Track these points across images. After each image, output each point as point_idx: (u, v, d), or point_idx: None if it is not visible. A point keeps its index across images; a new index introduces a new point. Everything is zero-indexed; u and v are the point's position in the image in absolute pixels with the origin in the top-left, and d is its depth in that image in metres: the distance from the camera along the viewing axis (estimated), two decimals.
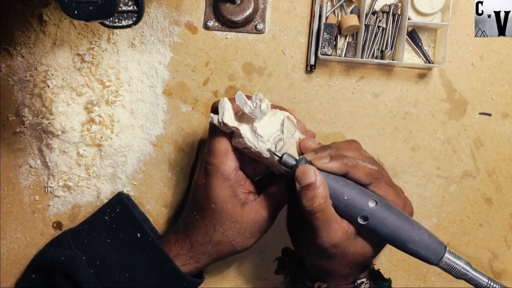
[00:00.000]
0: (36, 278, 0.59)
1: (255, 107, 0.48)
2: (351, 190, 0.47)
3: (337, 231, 0.47)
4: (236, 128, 0.49)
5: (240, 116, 0.50)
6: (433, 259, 0.47)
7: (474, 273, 0.47)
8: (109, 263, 0.54)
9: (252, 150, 0.49)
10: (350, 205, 0.47)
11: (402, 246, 0.47)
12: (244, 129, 0.49)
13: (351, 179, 0.48)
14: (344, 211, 0.47)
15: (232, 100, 0.50)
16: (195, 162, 0.63)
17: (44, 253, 0.61)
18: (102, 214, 0.60)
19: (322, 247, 0.48)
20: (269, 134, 0.49)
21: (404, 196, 0.51)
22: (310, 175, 0.46)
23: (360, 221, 0.47)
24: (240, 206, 0.51)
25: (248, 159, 0.52)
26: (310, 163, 0.48)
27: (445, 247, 0.47)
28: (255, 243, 0.54)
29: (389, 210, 0.47)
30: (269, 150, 0.48)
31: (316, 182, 0.46)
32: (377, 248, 0.51)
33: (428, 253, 0.46)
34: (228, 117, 0.48)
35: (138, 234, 0.54)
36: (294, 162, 0.48)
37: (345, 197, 0.47)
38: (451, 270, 0.47)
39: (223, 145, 0.50)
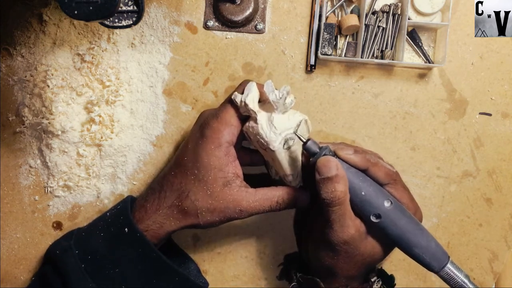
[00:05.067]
0: (37, 276, 0.59)
1: (280, 98, 0.49)
2: (369, 187, 0.48)
3: (350, 227, 0.47)
4: (254, 112, 0.49)
5: (262, 104, 0.51)
6: (436, 267, 0.48)
7: (471, 287, 0.48)
8: (99, 258, 0.53)
9: (261, 139, 0.49)
10: (366, 202, 0.48)
11: (408, 249, 0.48)
12: (262, 116, 0.50)
13: (370, 176, 0.49)
14: (359, 207, 0.48)
15: (260, 86, 0.51)
16: None
17: (49, 247, 0.61)
18: (107, 211, 0.59)
19: (333, 242, 0.48)
20: (283, 129, 0.49)
21: (416, 203, 0.52)
22: (332, 167, 0.46)
23: (372, 218, 0.48)
24: (222, 183, 0.50)
25: (246, 150, 0.54)
26: (334, 154, 0.49)
27: (449, 257, 0.49)
28: (219, 225, 0.52)
29: (402, 213, 0.48)
30: (295, 133, 0.49)
31: (338, 175, 0.46)
32: (386, 250, 0.51)
33: (432, 260, 0.48)
34: (251, 99, 0.50)
35: (126, 229, 0.53)
36: (318, 150, 0.48)
37: (363, 193, 0.48)
38: (450, 280, 0.48)
39: (230, 116, 0.51)
